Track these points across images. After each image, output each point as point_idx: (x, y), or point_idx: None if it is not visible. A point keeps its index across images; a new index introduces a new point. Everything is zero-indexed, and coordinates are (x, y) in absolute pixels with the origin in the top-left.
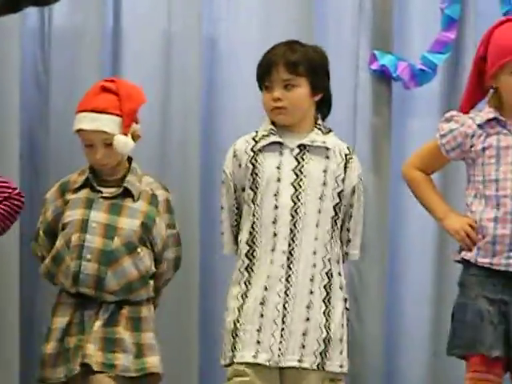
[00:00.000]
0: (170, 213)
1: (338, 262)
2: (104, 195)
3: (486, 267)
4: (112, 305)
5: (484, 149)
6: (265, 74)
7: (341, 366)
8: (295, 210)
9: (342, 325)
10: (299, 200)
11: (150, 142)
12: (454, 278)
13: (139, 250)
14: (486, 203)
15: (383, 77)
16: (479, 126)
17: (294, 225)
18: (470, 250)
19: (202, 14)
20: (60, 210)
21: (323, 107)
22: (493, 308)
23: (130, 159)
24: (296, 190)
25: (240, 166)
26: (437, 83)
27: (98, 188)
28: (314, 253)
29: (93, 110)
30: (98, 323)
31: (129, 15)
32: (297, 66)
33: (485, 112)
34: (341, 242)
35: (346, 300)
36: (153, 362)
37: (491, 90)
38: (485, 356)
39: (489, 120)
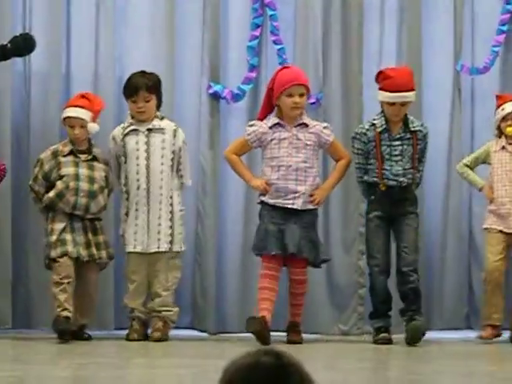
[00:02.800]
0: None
1: (177, 189)
2: (83, 159)
3: (272, 205)
4: (90, 221)
5: (272, 140)
6: (131, 93)
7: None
8: (148, 166)
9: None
10: (149, 161)
11: None
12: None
13: (105, 190)
14: (272, 169)
15: (216, 97)
16: (270, 127)
17: (148, 173)
18: (264, 195)
19: None
20: (54, 166)
21: (159, 106)
22: (277, 227)
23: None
24: (147, 155)
25: (116, 143)
26: (244, 102)
27: (79, 155)
28: (161, 187)
29: (76, 106)
30: (87, 231)
31: None
32: (151, 88)
33: (273, 119)
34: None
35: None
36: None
37: (276, 107)
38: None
39: (275, 124)
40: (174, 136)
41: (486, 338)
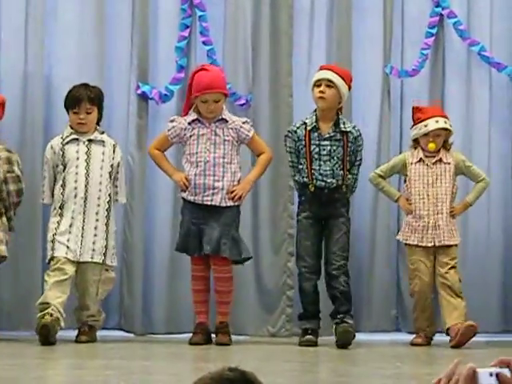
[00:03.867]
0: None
1: (113, 201)
2: None
3: (192, 202)
4: None
5: (191, 136)
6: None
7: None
8: (87, 174)
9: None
10: (89, 170)
11: None
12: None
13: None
14: (191, 165)
15: (144, 97)
16: (189, 123)
17: (87, 182)
18: (184, 191)
19: None
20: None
21: (99, 120)
22: (197, 227)
23: None
24: (87, 164)
25: (54, 152)
26: (173, 102)
27: None
28: (99, 198)
29: None
30: None
31: None
32: (93, 100)
33: (192, 115)
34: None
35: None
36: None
37: (194, 105)
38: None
39: (194, 120)
40: (114, 151)
41: (416, 345)
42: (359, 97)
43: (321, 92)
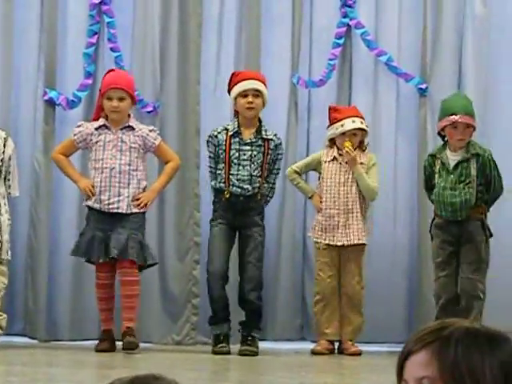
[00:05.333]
0: None
1: (3, 198)
2: None
3: (95, 209)
4: None
5: (97, 142)
6: None
7: None
8: None
9: None
10: None
11: None
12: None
13: None
14: (96, 171)
15: (51, 103)
16: (96, 129)
17: None
18: (89, 199)
19: None
20: None
21: None
22: (103, 233)
23: None
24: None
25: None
26: (80, 108)
27: None
28: None
29: None
30: None
31: None
32: None
33: (100, 122)
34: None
35: None
36: None
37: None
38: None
39: (101, 126)
40: (4, 145)
41: (319, 353)
42: (267, 107)
43: (249, 103)
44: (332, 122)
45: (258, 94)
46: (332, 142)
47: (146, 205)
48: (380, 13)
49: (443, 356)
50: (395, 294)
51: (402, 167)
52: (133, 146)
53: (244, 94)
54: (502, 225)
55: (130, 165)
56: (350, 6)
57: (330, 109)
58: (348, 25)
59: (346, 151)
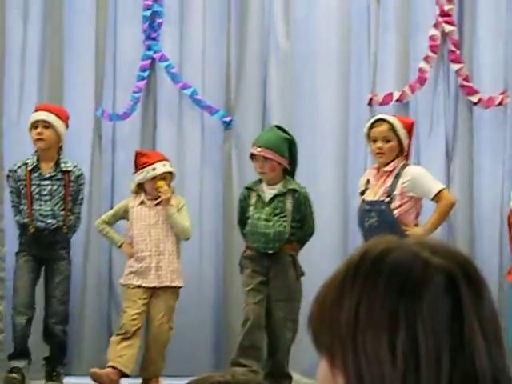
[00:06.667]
0: None
1: None
2: None
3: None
4: None
5: None
6: None
7: None
8: None
9: None
10: None
11: None
12: None
13: None
14: None
15: None
16: None
17: None
18: None
19: None
20: None
21: None
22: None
23: None
24: None
25: None
26: None
27: None
28: None
29: None
30: None
31: None
32: None
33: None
34: None
35: None
36: None
37: None
38: None
39: None
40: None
41: None
42: (71, 139)
43: (38, 134)
44: (141, 166)
45: (47, 125)
46: (139, 186)
47: None
48: (184, 46)
49: None
50: (202, 332)
51: (208, 200)
52: None
53: (35, 126)
54: None
55: None
56: (154, 39)
57: (137, 154)
58: (152, 58)
59: (163, 191)
